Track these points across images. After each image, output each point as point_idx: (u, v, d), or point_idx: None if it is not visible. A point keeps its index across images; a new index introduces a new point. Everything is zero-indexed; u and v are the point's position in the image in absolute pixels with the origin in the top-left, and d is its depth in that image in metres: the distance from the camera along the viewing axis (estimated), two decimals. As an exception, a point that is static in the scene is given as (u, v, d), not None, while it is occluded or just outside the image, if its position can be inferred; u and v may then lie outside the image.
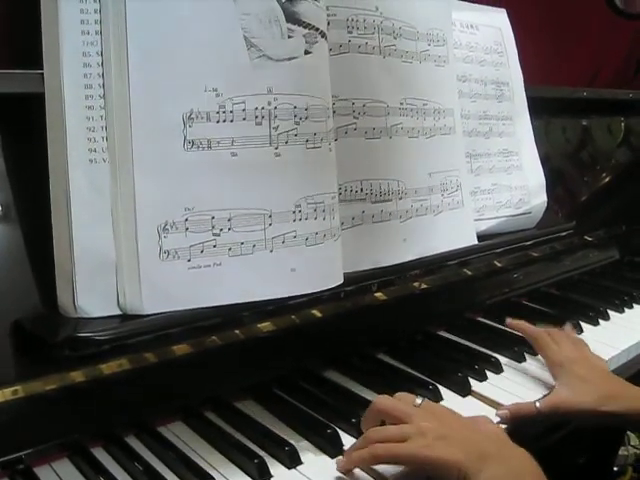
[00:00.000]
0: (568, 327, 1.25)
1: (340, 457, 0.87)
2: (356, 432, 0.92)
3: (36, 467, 0.83)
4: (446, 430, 0.82)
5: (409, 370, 1.13)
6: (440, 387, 1.06)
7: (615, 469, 1.83)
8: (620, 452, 1.83)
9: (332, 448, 0.89)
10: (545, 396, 1.04)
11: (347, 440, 0.91)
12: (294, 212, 0.88)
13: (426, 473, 0.82)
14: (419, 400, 0.88)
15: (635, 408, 1.02)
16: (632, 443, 1.85)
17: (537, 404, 1.02)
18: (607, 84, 2.16)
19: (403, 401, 0.89)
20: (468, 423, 0.87)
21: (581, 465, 1.60)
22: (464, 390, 1.07)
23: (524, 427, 1.00)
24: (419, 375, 1.11)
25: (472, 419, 0.90)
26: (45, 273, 0.81)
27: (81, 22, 0.78)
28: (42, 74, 0.79)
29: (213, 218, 0.83)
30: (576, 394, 1.03)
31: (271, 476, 0.84)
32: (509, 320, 1.20)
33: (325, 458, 0.88)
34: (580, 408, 1.01)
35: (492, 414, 1.00)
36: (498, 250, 1.28)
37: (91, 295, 0.79)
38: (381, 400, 0.89)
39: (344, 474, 0.85)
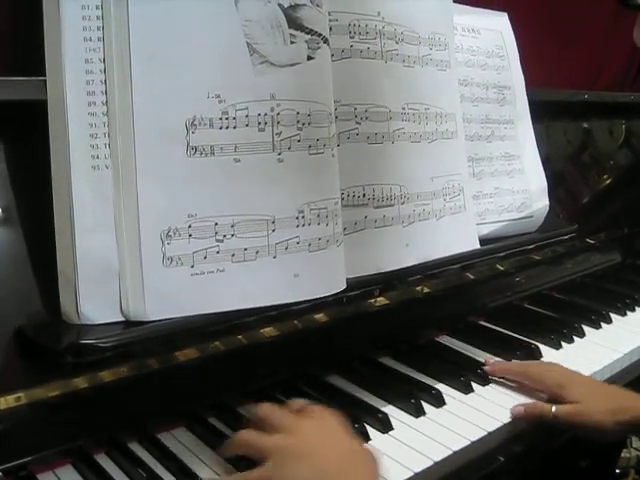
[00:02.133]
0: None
1: None
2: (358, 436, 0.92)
3: (39, 474, 0.84)
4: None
5: (411, 375, 1.13)
6: (442, 391, 1.07)
7: (617, 471, 1.83)
8: (622, 454, 1.83)
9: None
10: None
11: (350, 445, 0.91)
12: (297, 218, 0.88)
13: None
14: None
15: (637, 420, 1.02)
16: (634, 445, 1.84)
17: (554, 408, 1.02)
18: (608, 87, 2.16)
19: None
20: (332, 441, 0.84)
21: (584, 468, 1.60)
22: (466, 392, 1.08)
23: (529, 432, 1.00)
24: (422, 379, 1.11)
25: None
26: (48, 279, 0.80)
27: (83, 29, 0.78)
28: (44, 81, 0.79)
29: (216, 224, 0.83)
30: (590, 406, 1.03)
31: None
32: (488, 368, 1.16)
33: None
34: (596, 419, 1.01)
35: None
36: (500, 254, 1.28)
37: (94, 302, 0.79)
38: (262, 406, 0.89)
39: None
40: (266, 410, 0.87)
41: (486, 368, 1.14)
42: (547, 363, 1.18)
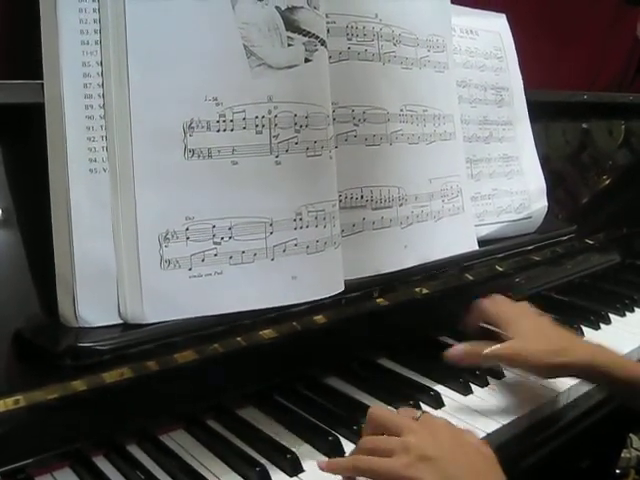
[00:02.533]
0: None
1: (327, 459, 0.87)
2: (357, 439, 0.92)
3: (37, 477, 0.84)
4: (434, 450, 0.79)
5: (410, 376, 1.13)
6: (441, 392, 1.07)
7: (617, 472, 1.83)
8: (622, 455, 1.83)
9: (333, 455, 0.90)
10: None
11: (348, 447, 0.91)
12: (295, 220, 0.88)
13: None
14: (419, 413, 0.86)
15: (583, 360, 1.03)
16: (635, 445, 1.84)
17: (494, 347, 1.03)
18: (607, 87, 2.16)
19: (402, 414, 0.87)
20: (462, 443, 0.83)
21: (584, 469, 1.60)
22: (465, 394, 1.08)
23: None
24: (420, 381, 1.11)
25: (466, 440, 0.86)
26: (46, 282, 0.80)
27: (80, 32, 0.78)
28: (42, 84, 0.79)
29: (214, 227, 0.83)
30: (530, 345, 1.04)
31: (273, 484, 0.84)
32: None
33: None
34: (534, 358, 1.02)
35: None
36: (499, 255, 1.28)
37: (92, 305, 0.79)
38: (374, 410, 0.87)
39: None
40: (380, 413, 0.86)
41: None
42: (502, 298, 1.17)
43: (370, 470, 0.79)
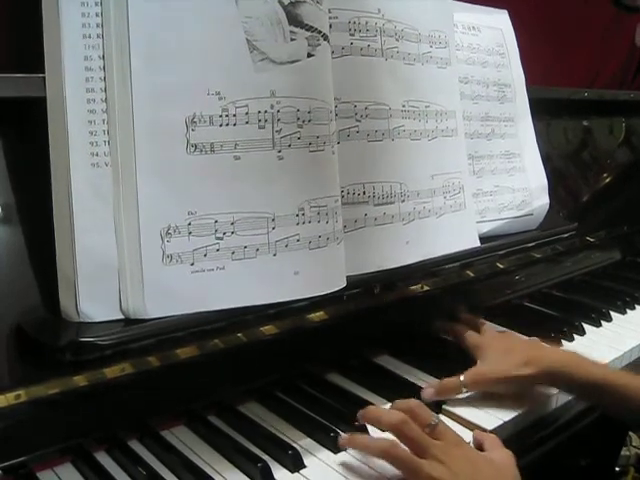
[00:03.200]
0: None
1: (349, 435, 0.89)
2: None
3: (39, 472, 0.83)
4: (464, 471, 0.81)
5: (411, 372, 1.13)
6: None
7: (617, 469, 1.83)
8: (622, 452, 1.83)
9: (335, 451, 0.90)
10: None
11: (350, 443, 0.92)
12: (297, 215, 0.87)
13: None
14: (434, 421, 0.86)
15: (551, 367, 1.04)
16: (634, 444, 1.84)
17: (461, 377, 1.04)
18: (607, 85, 2.16)
19: (418, 419, 0.86)
20: (480, 460, 0.85)
21: (584, 466, 1.60)
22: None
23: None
24: (422, 377, 1.11)
25: (485, 456, 0.88)
26: (48, 277, 0.80)
27: (82, 25, 0.78)
28: (44, 78, 0.79)
29: (216, 222, 0.83)
30: (494, 364, 1.06)
31: (274, 480, 0.84)
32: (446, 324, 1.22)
33: (328, 461, 0.88)
34: (497, 375, 1.04)
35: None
36: (500, 252, 1.28)
37: (93, 300, 0.79)
38: (395, 416, 0.86)
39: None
40: (401, 420, 0.85)
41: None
42: (484, 325, 1.21)
43: (401, 461, 0.81)
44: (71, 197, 0.77)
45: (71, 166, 0.78)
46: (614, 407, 1.05)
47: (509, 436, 1.01)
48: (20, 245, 0.82)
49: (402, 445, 0.83)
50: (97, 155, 0.79)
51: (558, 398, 1.10)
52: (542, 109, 1.45)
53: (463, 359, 1.16)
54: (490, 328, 1.20)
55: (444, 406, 1.03)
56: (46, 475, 0.83)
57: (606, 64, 2.19)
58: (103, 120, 0.79)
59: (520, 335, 1.20)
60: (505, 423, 1.01)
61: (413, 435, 0.83)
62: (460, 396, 1.04)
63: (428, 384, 1.06)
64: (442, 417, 1.00)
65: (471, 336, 1.15)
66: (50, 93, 0.78)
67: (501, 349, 1.09)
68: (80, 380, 0.83)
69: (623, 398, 1.01)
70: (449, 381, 1.05)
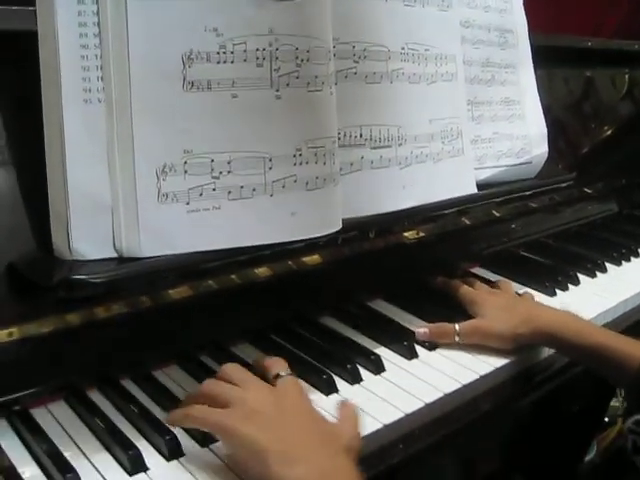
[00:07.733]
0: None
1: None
2: (351, 377, 0.94)
3: (32, 409, 0.84)
4: (269, 409, 0.75)
5: (405, 317, 1.13)
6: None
7: (606, 420, 1.86)
8: (612, 403, 1.85)
9: (326, 392, 0.91)
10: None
11: (342, 385, 0.93)
12: (294, 156, 0.86)
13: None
14: (283, 372, 0.82)
15: (549, 326, 1.05)
16: (624, 395, 1.86)
17: (457, 326, 1.05)
18: (612, 36, 2.13)
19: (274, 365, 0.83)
20: (303, 419, 0.77)
21: (575, 413, 1.62)
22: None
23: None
24: (416, 322, 1.11)
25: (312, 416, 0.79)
26: (40, 215, 0.79)
27: (75, -42, 0.76)
28: (34, 11, 0.76)
29: (212, 161, 0.81)
30: (493, 320, 1.07)
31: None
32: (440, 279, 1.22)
33: (320, 403, 0.88)
34: (496, 332, 1.05)
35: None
36: (497, 199, 1.27)
37: (86, 237, 0.78)
38: (228, 365, 0.83)
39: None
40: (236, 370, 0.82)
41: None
42: (481, 284, 1.20)
43: (202, 420, 0.76)
44: (63, 133, 0.76)
45: (63, 102, 0.76)
46: (611, 372, 1.04)
47: (503, 382, 1.02)
48: (12, 183, 0.81)
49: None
50: (90, 91, 0.77)
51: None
52: (544, 57, 1.42)
53: (457, 308, 1.16)
54: (485, 285, 1.20)
55: (438, 349, 1.04)
56: (39, 412, 0.84)
57: (610, 14, 2.16)
58: (96, 55, 0.77)
59: (513, 291, 1.20)
60: (497, 370, 1.01)
61: (214, 392, 0.78)
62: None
63: (424, 325, 1.08)
64: (435, 357, 1.01)
65: (467, 291, 1.15)
66: (41, 27, 0.76)
67: (498, 306, 1.10)
68: (73, 318, 0.83)
69: (620, 365, 1.00)
70: (444, 325, 1.06)
